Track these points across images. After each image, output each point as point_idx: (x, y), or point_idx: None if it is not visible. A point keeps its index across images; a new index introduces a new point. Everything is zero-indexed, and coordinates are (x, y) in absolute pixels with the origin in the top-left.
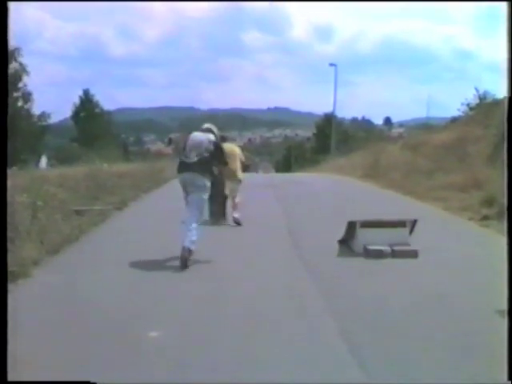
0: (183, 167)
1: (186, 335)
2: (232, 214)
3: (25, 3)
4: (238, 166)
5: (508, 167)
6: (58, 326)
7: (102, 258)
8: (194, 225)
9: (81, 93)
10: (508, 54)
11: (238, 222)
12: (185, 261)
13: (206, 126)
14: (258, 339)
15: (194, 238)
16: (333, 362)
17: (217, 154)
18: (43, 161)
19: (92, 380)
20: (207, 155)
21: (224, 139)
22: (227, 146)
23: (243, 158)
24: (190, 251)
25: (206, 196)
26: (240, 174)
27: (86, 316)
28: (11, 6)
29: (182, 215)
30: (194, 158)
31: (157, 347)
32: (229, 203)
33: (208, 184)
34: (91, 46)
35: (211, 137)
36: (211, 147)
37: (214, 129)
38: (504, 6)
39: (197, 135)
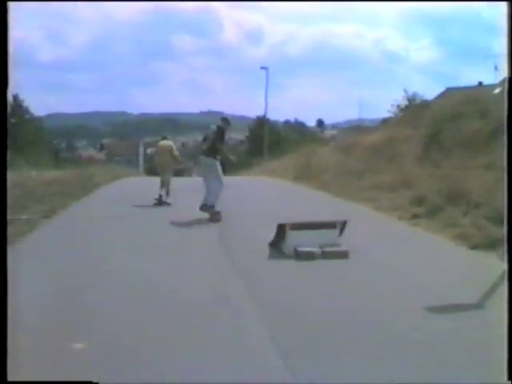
0: None
1: None
2: (166, 199)
3: None
4: (169, 159)
5: (508, 187)
6: None
7: (27, 270)
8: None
9: (10, 98)
10: (508, 54)
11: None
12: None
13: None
14: (183, 344)
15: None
16: (261, 366)
17: None
18: None
19: (92, 380)
20: None
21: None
22: (163, 143)
23: (176, 153)
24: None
25: None
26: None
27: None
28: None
29: None
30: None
31: None
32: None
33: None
34: (19, 51)
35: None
36: None
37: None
38: (504, 5)
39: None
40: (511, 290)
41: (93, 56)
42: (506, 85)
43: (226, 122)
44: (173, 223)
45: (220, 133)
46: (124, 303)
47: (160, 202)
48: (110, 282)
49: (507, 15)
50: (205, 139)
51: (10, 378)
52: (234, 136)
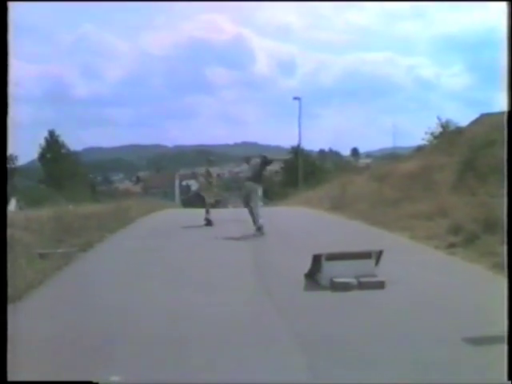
0: None
1: None
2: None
3: None
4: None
5: (508, 189)
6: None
7: (64, 302)
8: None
9: (46, 134)
10: (508, 54)
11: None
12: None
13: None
14: (220, 375)
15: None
16: None
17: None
18: (12, 203)
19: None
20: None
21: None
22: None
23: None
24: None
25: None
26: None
27: (51, 360)
28: None
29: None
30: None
31: None
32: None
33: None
34: (55, 87)
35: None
36: None
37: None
38: (504, 5)
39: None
40: (511, 290)
41: (128, 90)
42: (506, 85)
43: (265, 158)
44: (211, 255)
45: (263, 164)
46: (161, 333)
47: (209, 223)
48: (146, 314)
49: (507, 15)
50: (247, 162)
51: (9, 378)
52: (269, 167)
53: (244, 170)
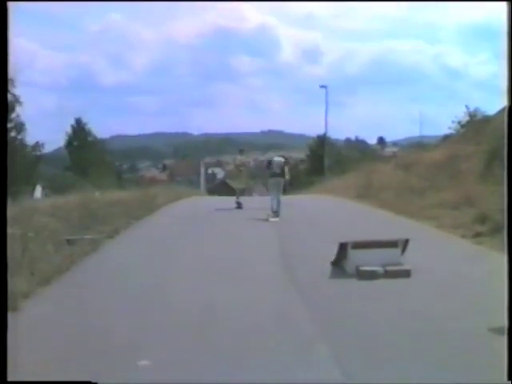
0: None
1: None
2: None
3: (13, 33)
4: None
5: (508, 179)
6: (50, 357)
7: (92, 288)
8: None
9: (73, 122)
10: (508, 54)
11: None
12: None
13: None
14: (246, 365)
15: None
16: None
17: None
18: (38, 191)
19: (92, 380)
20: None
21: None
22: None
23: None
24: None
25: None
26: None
27: (75, 351)
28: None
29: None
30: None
31: None
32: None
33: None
34: (82, 76)
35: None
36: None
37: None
38: (504, 5)
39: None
40: (511, 290)
41: (154, 79)
42: (506, 84)
43: (287, 160)
44: (236, 242)
45: (286, 164)
46: (184, 320)
47: (240, 206)
48: (171, 299)
49: (507, 15)
50: (269, 164)
51: (9, 378)
52: (295, 155)
53: (273, 167)
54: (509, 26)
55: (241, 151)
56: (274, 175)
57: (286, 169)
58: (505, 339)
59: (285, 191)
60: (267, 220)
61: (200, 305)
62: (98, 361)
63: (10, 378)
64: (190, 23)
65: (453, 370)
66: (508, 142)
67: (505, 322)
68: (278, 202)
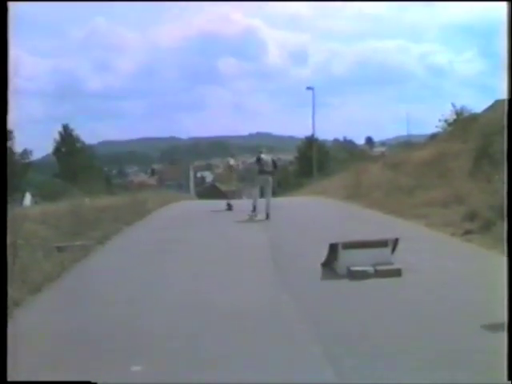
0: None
1: None
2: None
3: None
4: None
5: (508, 175)
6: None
7: (84, 294)
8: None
9: (60, 128)
10: (508, 54)
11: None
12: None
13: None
14: (235, 365)
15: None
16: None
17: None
18: (27, 198)
19: (92, 380)
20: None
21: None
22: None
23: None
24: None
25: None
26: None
27: (71, 352)
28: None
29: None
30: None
31: None
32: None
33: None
34: (68, 81)
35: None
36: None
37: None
38: (504, 6)
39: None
40: (511, 290)
41: (140, 83)
42: (506, 84)
43: (274, 161)
44: (227, 247)
45: (274, 163)
46: (173, 322)
47: (230, 207)
48: (163, 303)
49: (507, 15)
50: (258, 161)
51: (9, 378)
52: (284, 157)
53: (262, 163)
54: (509, 25)
55: (232, 155)
56: (263, 172)
57: (275, 167)
58: (505, 339)
59: (274, 193)
60: (253, 220)
61: (190, 308)
62: (91, 367)
63: (10, 378)
64: (175, 26)
65: (446, 369)
66: (508, 140)
67: (505, 322)
68: (268, 201)
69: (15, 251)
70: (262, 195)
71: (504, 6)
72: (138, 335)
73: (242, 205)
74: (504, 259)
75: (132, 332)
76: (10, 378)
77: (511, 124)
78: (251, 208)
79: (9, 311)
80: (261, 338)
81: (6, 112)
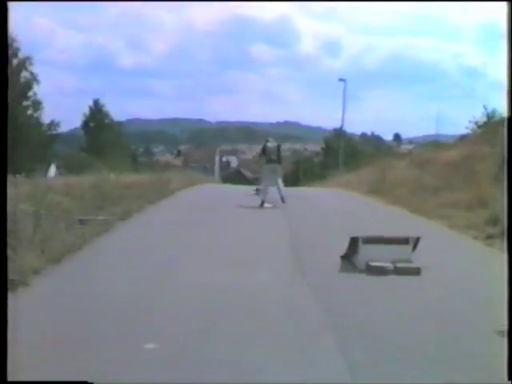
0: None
1: None
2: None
3: (34, 12)
4: None
5: (508, 185)
6: (56, 336)
7: (103, 268)
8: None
9: (91, 103)
10: (508, 54)
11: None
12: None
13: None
14: (251, 354)
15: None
16: (329, 379)
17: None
18: (52, 169)
19: (92, 380)
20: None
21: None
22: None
23: None
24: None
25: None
26: None
27: (85, 324)
28: (13, 7)
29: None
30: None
31: None
32: None
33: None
34: (100, 57)
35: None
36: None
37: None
38: (504, 6)
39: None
40: (511, 289)
41: (172, 63)
42: (506, 84)
43: (279, 145)
44: (247, 233)
45: (279, 149)
46: (189, 306)
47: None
48: (181, 282)
49: (507, 15)
50: (264, 150)
51: (9, 378)
52: (310, 147)
53: (269, 152)
54: (509, 25)
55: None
56: (270, 161)
57: (281, 154)
58: (505, 339)
59: (298, 182)
60: (274, 207)
61: (209, 289)
62: (102, 341)
63: (10, 378)
64: (210, 9)
65: (459, 370)
66: (508, 150)
67: (505, 323)
68: (280, 190)
69: (37, 221)
70: (273, 182)
71: (504, 5)
72: (149, 312)
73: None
74: None
75: (144, 306)
76: (10, 378)
77: (511, 128)
78: (262, 198)
79: (27, 278)
80: (274, 325)
81: (7, 112)
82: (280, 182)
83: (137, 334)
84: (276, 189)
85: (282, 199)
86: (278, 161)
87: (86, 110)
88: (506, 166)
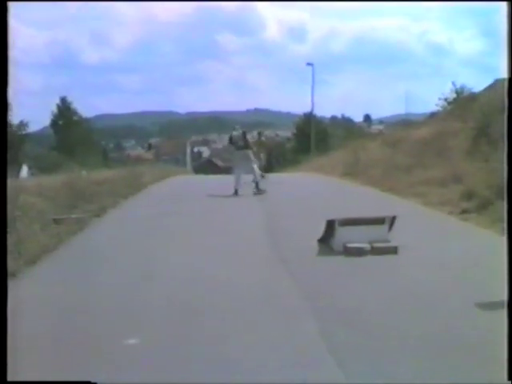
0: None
1: None
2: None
3: None
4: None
5: (508, 166)
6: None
7: (80, 267)
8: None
9: (58, 101)
10: (508, 53)
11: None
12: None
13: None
14: (234, 340)
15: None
16: (312, 362)
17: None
18: (24, 170)
19: (92, 380)
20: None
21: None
22: None
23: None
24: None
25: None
26: None
27: (63, 327)
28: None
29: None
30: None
31: None
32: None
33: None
34: (65, 54)
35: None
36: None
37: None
38: (504, 5)
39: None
40: (511, 289)
41: (138, 57)
42: (506, 85)
43: (244, 132)
44: (223, 220)
45: (244, 135)
46: (170, 295)
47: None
48: (159, 276)
49: (507, 15)
50: (231, 140)
51: (9, 378)
52: (282, 133)
53: (236, 140)
54: (509, 25)
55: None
56: (238, 148)
57: (245, 139)
58: (505, 340)
59: (271, 168)
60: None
61: (188, 282)
62: (85, 341)
63: (9, 378)
64: (172, 0)
65: (434, 346)
66: (508, 120)
67: (504, 322)
68: (254, 176)
69: (12, 223)
70: (242, 169)
71: (504, 5)
72: (132, 305)
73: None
74: (499, 238)
75: (127, 302)
76: (10, 378)
77: (511, 103)
78: (234, 186)
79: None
80: (253, 311)
81: (7, 110)
82: (255, 167)
83: (117, 330)
84: (253, 176)
85: (257, 186)
86: (246, 147)
87: (54, 109)
88: (506, 143)
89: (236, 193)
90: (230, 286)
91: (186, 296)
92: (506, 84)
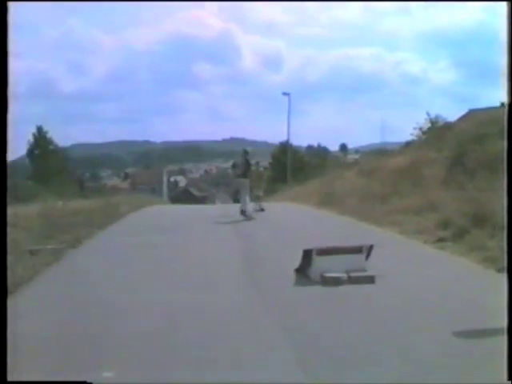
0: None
1: None
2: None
3: None
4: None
5: (508, 178)
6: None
7: (55, 298)
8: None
9: (34, 130)
10: (508, 54)
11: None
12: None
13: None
14: (208, 372)
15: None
16: None
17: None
18: None
19: (91, 380)
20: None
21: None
22: None
23: None
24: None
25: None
26: None
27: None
28: None
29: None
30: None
31: None
32: None
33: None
34: (41, 83)
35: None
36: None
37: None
38: (504, 5)
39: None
40: (511, 290)
41: (114, 86)
42: (506, 85)
43: (246, 151)
44: (200, 251)
45: (248, 161)
46: (150, 330)
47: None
48: (135, 308)
49: (507, 15)
50: (234, 166)
51: (9, 378)
52: (256, 161)
53: (236, 167)
54: (509, 25)
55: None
56: (237, 176)
57: (250, 169)
58: (505, 339)
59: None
60: (221, 222)
61: (162, 314)
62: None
63: (9, 378)
64: (149, 30)
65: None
66: (508, 144)
67: (504, 322)
68: (244, 203)
69: None
70: (238, 198)
71: (504, 5)
72: (102, 343)
73: (215, 209)
74: (476, 266)
75: (99, 335)
76: (10, 378)
77: (511, 130)
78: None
79: None
80: (230, 339)
81: (6, 113)
82: (247, 199)
83: (92, 364)
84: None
85: (244, 213)
86: (244, 175)
87: (30, 138)
88: (506, 167)
89: (243, 213)
90: (203, 314)
91: (160, 327)
92: (506, 87)
